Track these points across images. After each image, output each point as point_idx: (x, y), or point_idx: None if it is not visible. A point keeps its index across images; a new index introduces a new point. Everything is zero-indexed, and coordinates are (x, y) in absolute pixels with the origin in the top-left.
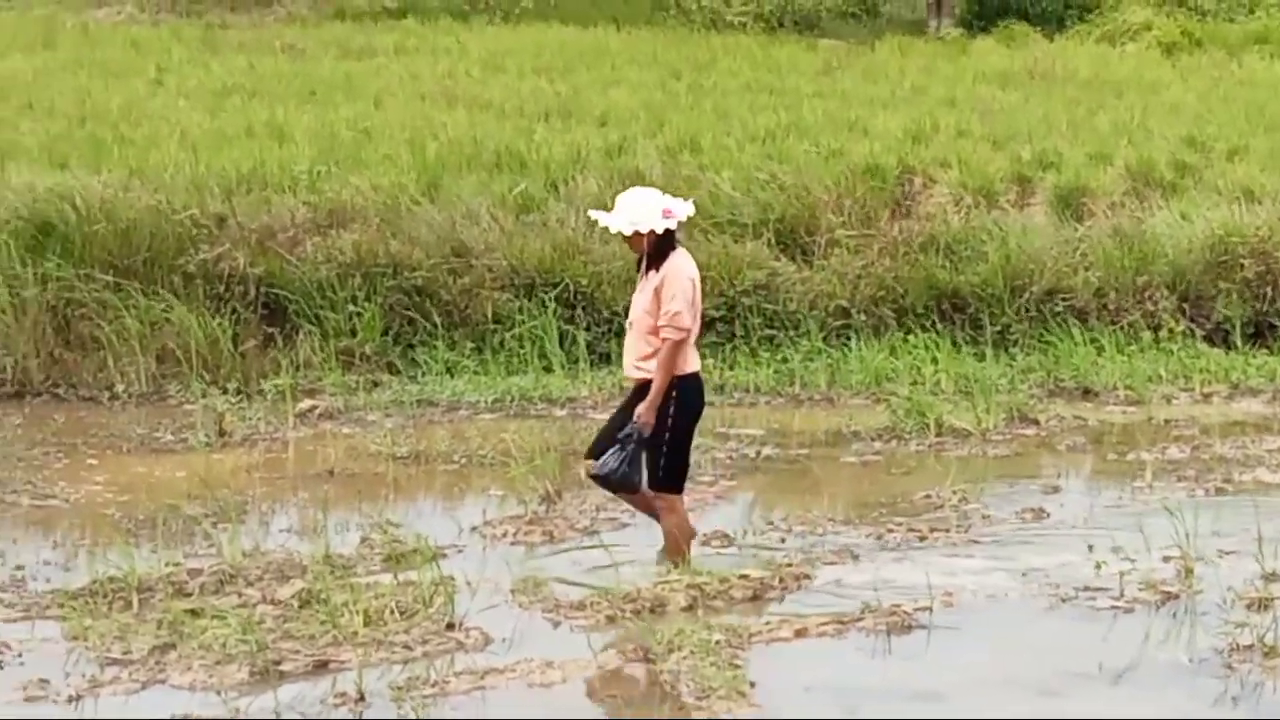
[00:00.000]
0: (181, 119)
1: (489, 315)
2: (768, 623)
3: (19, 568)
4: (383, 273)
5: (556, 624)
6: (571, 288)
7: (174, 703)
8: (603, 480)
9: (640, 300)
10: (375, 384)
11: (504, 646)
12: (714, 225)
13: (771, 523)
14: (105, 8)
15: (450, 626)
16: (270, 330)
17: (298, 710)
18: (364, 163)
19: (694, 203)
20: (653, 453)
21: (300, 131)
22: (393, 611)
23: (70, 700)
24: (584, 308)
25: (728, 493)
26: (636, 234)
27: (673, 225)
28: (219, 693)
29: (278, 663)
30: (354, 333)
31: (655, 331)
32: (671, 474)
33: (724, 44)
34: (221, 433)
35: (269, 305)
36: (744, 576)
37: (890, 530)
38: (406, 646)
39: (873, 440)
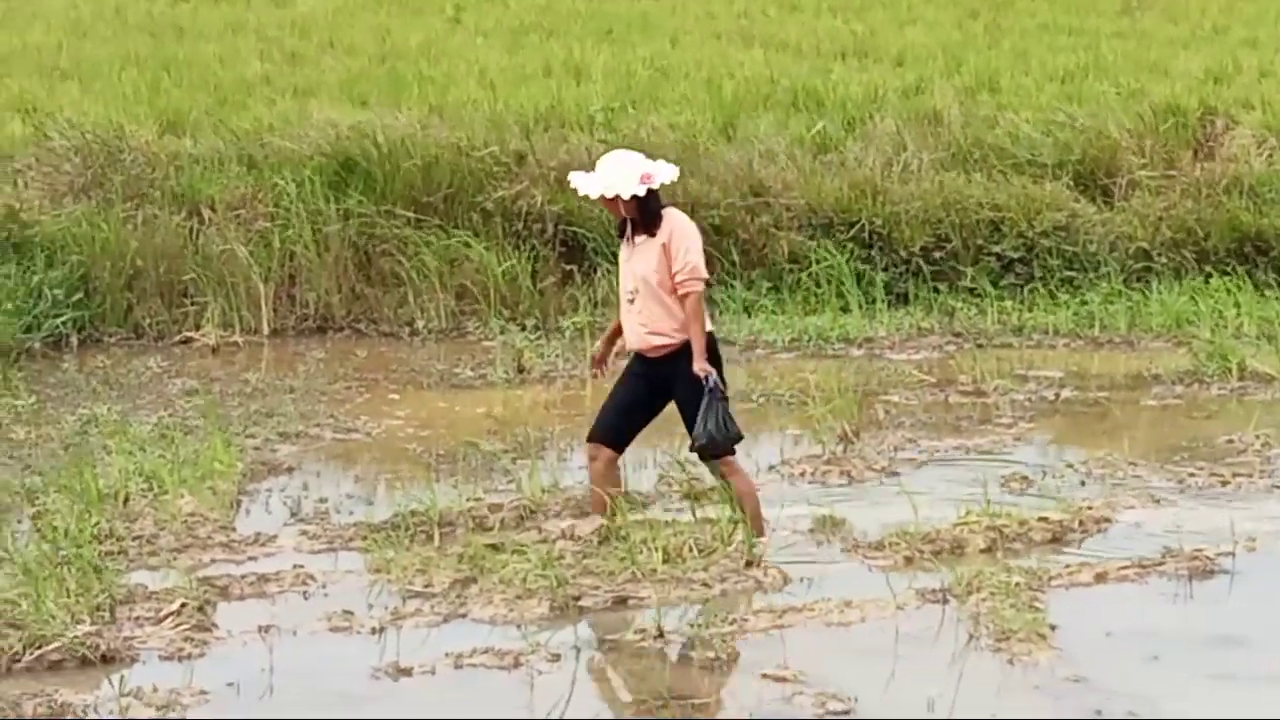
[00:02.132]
0: (480, 56)
1: (786, 254)
2: (1067, 566)
3: (322, 500)
4: (680, 211)
5: (854, 563)
6: (868, 227)
7: (475, 636)
8: (710, 448)
9: (641, 265)
10: None
11: (802, 586)
12: (1013, 166)
13: (1071, 465)
14: None
15: (749, 565)
16: (568, 267)
17: (597, 646)
18: (660, 101)
19: (677, 167)
20: (690, 412)
21: (597, 70)
22: (691, 549)
23: (373, 632)
24: (881, 247)
25: (1026, 434)
26: (616, 199)
27: (641, 191)
28: (519, 627)
29: (577, 598)
30: None
31: (673, 290)
32: (729, 435)
33: None
34: (520, 369)
35: (567, 243)
36: (1043, 519)
37: (1191, 474)
38: (705, 584)
39: (1174, 384)
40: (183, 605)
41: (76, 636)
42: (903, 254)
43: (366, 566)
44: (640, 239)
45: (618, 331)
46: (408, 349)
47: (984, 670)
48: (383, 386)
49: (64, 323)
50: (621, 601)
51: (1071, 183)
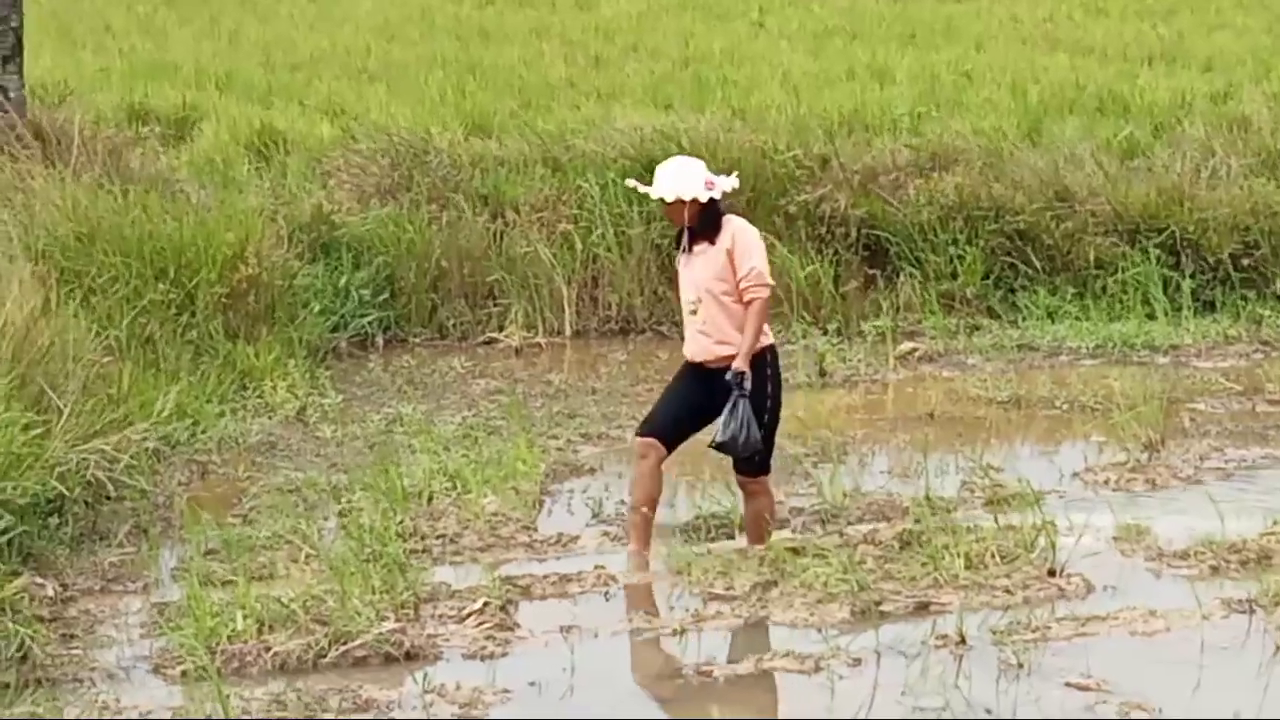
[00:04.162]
0: (783, 60)
1: (1091, 260)
2: None
3: (624, 502)
4: (984, 216)
5: (1158, 573)
6: (1176, 234)
7: (776, 639)
8: (729, 449)
9: (704, 273)
10: (975, 328)
11: (1106, 594)
12: None
13: None
14: None
15: (1051, 572)
16: (871, 272)
17: (899, 650)
18: (965, 106)
19: (737, 176)
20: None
21: (901, 74)
22: (993, 555)
23: (674, 633)
24: (1189, 254)
25: None
26: (679, 204)
27: (704, 197)
28: (820, 630)
29: (879, 603)
30: (955, 276)
31: (738, 298)
32: (768, 456)
33: None
34: (822, 373)
35: (870, 247)
36: None
37: None
38: (1007, 591)
39: None
40: (485, 604)
41: (381, 633)
42: (1210, 261)
43: (668, 568)
44: (700, 247)
45: None
46: None
47: None
48: None
49: (370, 323)
50: (923, 607)
51: None
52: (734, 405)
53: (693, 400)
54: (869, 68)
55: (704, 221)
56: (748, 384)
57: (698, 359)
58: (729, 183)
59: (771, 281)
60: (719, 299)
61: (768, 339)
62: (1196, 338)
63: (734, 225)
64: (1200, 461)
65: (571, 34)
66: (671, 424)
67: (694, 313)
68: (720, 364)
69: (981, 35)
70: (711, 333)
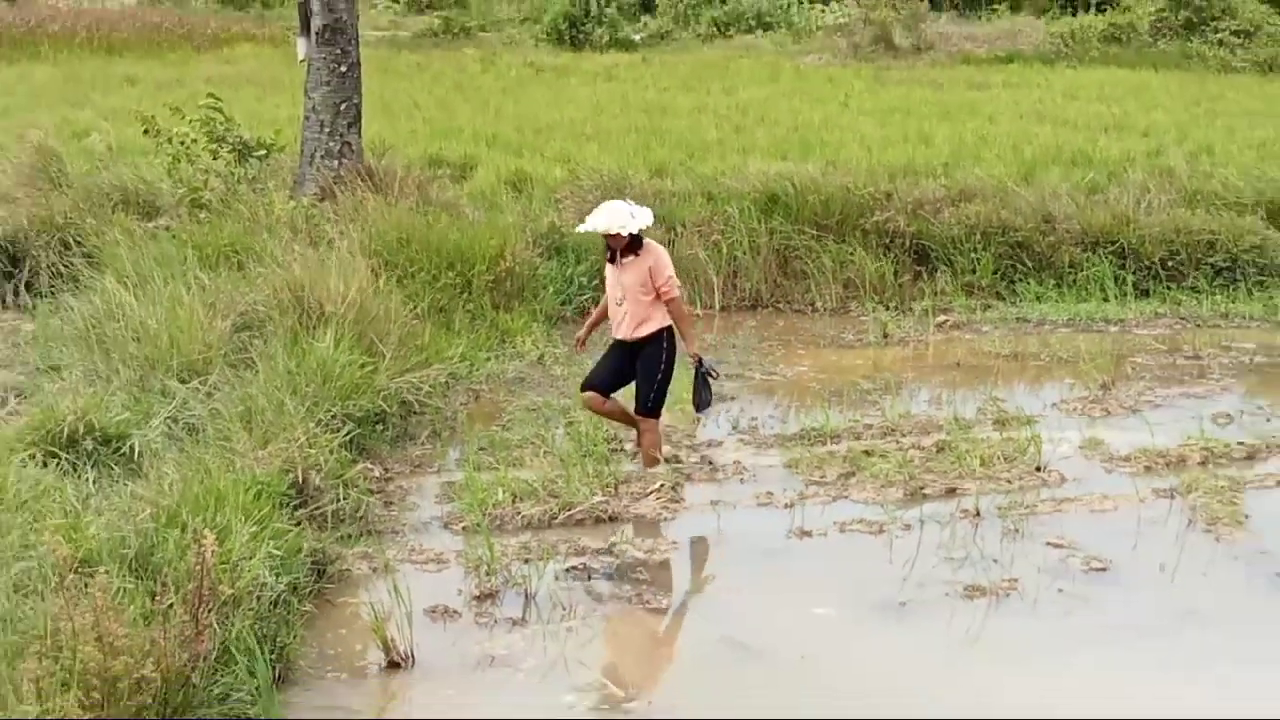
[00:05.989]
0: (860, 129)
1: (1066, 262)
2: (1258, 475)
3: (754, 419)
4: (995, 232)
5: (1110, 470)
6: (1124, 245)
7: (853, 511)
8: (706, 407)
9: (629, 279)
10: (987, 306)
11: (1074, 484)
12: (1223, 205)
13: (1260, 407)
14: (811, 55)
15: (1038, 469)
16: (918, 268)
17: (936, 520)
18: (981, 159)
19: (651, 211)
20: (646, 387)
21: (939, 138)
22: (999, 457)
23: (786, 506)
24: (1131, 258)
25: (1230, 387)
26: (621, 234)
27: (637, 230)
28: (883, 506)
29: (922, 488)
30: (974, 271)
31: (655, 299)
32: (659, 404)
33: (1230, 82)
34: (885, 336)
35: (918, 252)
36: (1241, 444)
37: None
38: (1008, 481)
39: None
40: (661, 486)
41: (593, 503)
42: (1146, 263)
43: (782, 463)
44: (626, 260)
45: (596, 321)
46: (810, 321)
47: (1199, 545)
48: (793, 345)
49: (586, 299)
50: (951, 491)
51: (1264, 216)
52: (703, 379)
53: (621, 366)
54: (918, 134)
55: (632, 243)
56: (708, 362)
57: (621, 336)
58: (648, 218)
59: (679, 284)
60: (638, 298)
61: (668, 322)
62: (1136, 314)
63: (654, 249)
64: (1138, 397)
65: (720, 110)
66: (605, 382)
67: (620, 304)
68: (636, 340)
69: (993, 112)
70: (632, 320)
